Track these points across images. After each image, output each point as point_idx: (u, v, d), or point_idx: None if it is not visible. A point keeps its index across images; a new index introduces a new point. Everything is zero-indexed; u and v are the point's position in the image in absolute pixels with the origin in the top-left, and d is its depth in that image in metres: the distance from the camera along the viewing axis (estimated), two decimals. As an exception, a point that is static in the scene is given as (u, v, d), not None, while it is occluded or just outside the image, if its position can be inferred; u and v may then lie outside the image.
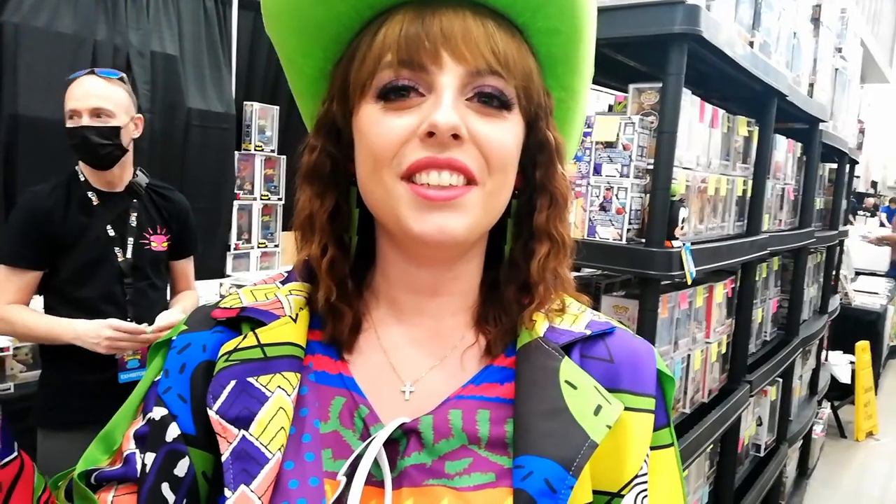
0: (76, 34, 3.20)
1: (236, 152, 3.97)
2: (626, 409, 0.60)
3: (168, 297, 2.22)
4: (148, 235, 2.07)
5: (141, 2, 3.46)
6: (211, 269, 3.82)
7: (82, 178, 1.98)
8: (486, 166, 0.56)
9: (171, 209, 2.14)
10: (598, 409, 0.57)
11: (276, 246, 4.27)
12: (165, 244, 2.11)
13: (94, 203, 1.97)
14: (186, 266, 2.27)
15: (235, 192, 3.98)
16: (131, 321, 1.93)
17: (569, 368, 0.59)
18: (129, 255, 2.01)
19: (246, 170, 4.04)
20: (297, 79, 0.66)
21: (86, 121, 1.90)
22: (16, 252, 1.90)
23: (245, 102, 4.03)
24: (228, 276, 3.91)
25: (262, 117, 4.09)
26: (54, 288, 1.96)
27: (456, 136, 0.54)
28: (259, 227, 4.14)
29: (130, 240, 2.02)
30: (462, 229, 0.56)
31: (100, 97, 1.93)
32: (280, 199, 4.24)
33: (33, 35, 3.05)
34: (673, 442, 0.65)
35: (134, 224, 2.03)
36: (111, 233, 1.98)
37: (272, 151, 4.17)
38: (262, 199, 4.14)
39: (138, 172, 2.09)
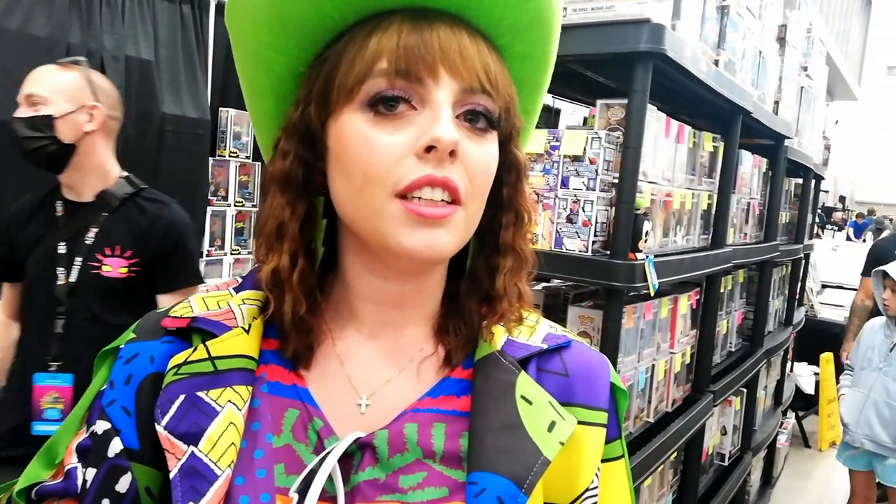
0: (50, 37, 3.16)
1: (210, 158, 3.95)
2: (580, 422, 0.60)
3: None
4: (101, 257, 1.68)
5: (116, 6, 3.43)
6: (183, 274, 3.79)
7: (57, 185, 1.73)
8: (471, 188, 0.56)
9: (146, 226, 1.72)
10: (552, 426, 0.58)
11: (250, 253, 4.25)
12: (125, 270, 1.69)
13: (58, 214, 1.69)
14: (169, 304, 1.93)
15: (209, 198, 3.96)
16: (52, 362, 1.62)
17: (525, 383, 0.60)
18: (72, 278, 1.66)
19: (220, 176, 4.02)
20: (263, 76, 0.62)
21: (20, 112, 1.63)
22: None
23: (221, 108, 4.01)
24: (201, 282, 3.89)
25: (238, 123, 4.08)
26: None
27: (452, 154, 0.54)
28: (232, 234, 4.11)
29: (78, 260, 1.66)
30: (449, 247, 0.56)
31: (34, 82, 1.64)
32: (254, 206, 4.22)
33: (5, 37, 3.01)
34: (623, 454, 0.67)
35: (89, 241, 1.68)
36: (61, 250, 1.67)
37: (247, 158, 4.16)
38: (235, 206, 4.12)
39: (121, 180, 1.76)
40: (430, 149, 0.53)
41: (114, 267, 1.68)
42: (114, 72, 3.40)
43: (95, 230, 1.69)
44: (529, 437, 0.57)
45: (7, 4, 3.04)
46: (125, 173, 1.79)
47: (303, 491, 0.54)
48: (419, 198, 0.54)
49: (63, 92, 1.65)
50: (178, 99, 3.71)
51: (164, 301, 1.74)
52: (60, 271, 1.66)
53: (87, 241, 1.68)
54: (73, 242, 1.68)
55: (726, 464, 2.87)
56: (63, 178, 1.71)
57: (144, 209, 1.74)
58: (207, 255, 3.99)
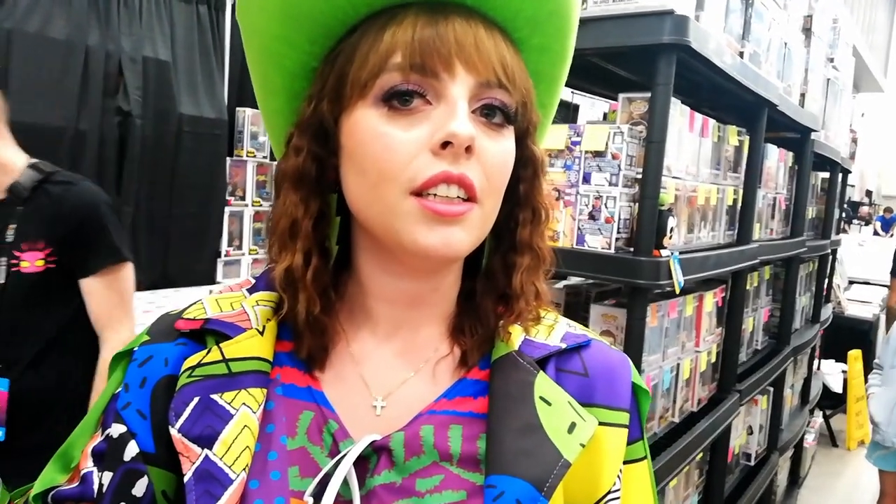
0: (68, 39, 3.20)
1: (228, 158, 3.97)
2: (601, 423, 0.59)
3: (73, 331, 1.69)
4: (18, 254, 1.57)
5: (134, 8, 3.46)
6: (201, 275, 3.82)
7: None
8: (487, 185, 0.55)
9: (53, 212, 1.60)
10: (572, 427, 0.57)
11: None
12: (42, 262, 1.58)
13: None
14: (93, 289, 1.65)
15: (227, 197, 3.98)
16: None
17: (543, 384, 0.59)
18: (1, 279, 1.57)
19: (238, 176, 4.04)
20: (273, 72, 0.61)
21: None
22: None
23: (238, 108, 4.03)
24: (219, 282, 3.91)
25: (255, 123, 4.09)
26: None
27: (468, 149, 0.53)
28: (250, 234, 4.13)
29: (3, 260, 1.56)
30: (466, 245, 0.55)
31: None
32: (272, 206, 4.24)
33: (25, 40, 3.05)
34: (646, 455, 0.65)
35: (11, 239, 1.57)
36: None
37: (264, 157, 4.17)
38: (253, 206, 4.14)
39: (28, 170, 1.63)
40: (445, 144, 0.52)
41: (31, 261, 1.59)
42: (132, 73, 3.43)
43: (14, 227, 1.58)
44: (549, 438, 0.56)
45: (26, 7, 3.08)
46: (33, 160, 1.67)
47: (318, 494, 0.54)
48: (435, 195, 0.53)
49: None
50: (195, 99, 3.74)
51: (87, 287, 1.64)
52: None
53: (7, 240, 1.58)
54: None
55: (753, 464, 2.83)
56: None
57: (51, 194, 1.61)
58: (225, 255, 4.02)
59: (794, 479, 3.98)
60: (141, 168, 3.50)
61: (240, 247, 4.09)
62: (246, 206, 4.10)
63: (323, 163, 0.59)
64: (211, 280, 3.87)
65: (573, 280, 2.00)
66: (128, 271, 1.73)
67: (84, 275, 1.65)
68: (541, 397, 0.57)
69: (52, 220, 1.60)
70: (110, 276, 1.68)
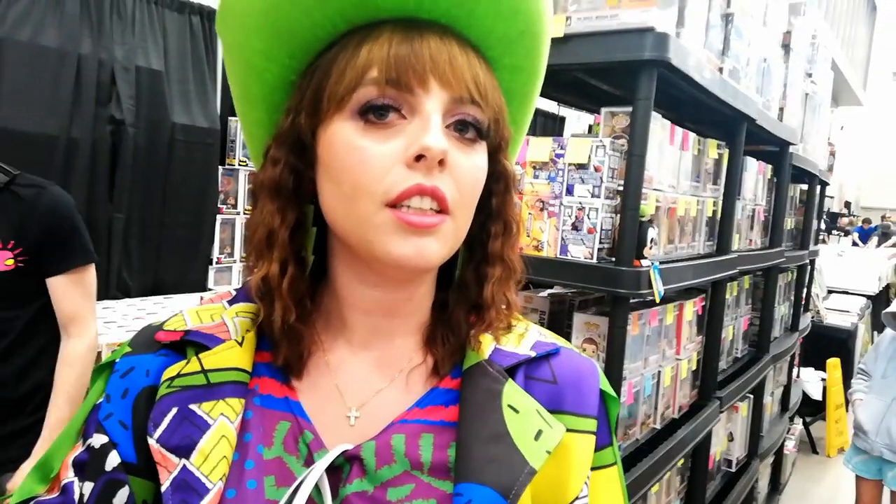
0: (60, 48, 3.21)
1: (220, 167, 3.99)
2: (569, 430, 0.60)
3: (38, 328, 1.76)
4: None
5: (126, 17, 3.47)
6: (193, 282, 3.83)
7: None
8: (459, 198, 0.56)
9: (25, 213, 1.66)
10: (538, 434, 0.57)
11: (258, 260, 4.28)
12: (11, 262, 1.65)
13: None
14: (62, 287, 1.73)
15: (219, 206, 4.00)
16: None
17: (512, 392, 0.60)
18: None
19: (230, 184, 4.06)
20: (253, 84, 0.62)
21: None
22: None
23: (230, 117, 4.05)
24: (210, 289, 3.91)
25: (246, 132, 4.11)
26: None
27: (441, 163, 0.54)
28: (242, 241, 4.15)
29: None
30: (438, 255, 0.56)
31: None
32: (249, 216, 4.26)
33: (17, 49, 3.06)
34: (616, 461, 0.66)
35: None
36: None
37: (255, 166, 4.19)
38: (245, 214, 4.16)
39: None
40: (419, 157, 0.53)
41: (0, 260, 1.65)
42: (124, 82, 3.45)
43: None
44: (516, 446, 0.56)
45: (18, 16, 3.08)
46: None
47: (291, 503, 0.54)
48: (408, 206, 0.54)
49: None
50: (187, 108, 3.76)
51: (55, 284, 1.72)
52: None
53: None
54: None
55: (734, 470, 2.87)
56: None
57: (21, 196, 1.67)
58: (217, 263, 4.03)
59: (775, 486, 4.03)
60: (133, 176, 3.51)
61: (231, 254, 4.11)
62: (238, 214, 4.12)
63: (300, 174, 0.60)
64: (203, 287, 3.88)
65: (557, 290, 2.05)
66: (93, 270, 1.82)
67: (55, 273, 1.72)
68: (509, 405, 0.58)
69: (24, 220, 1.65)
70: (78, 275, 1.76)
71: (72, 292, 1.74)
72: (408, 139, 0.54)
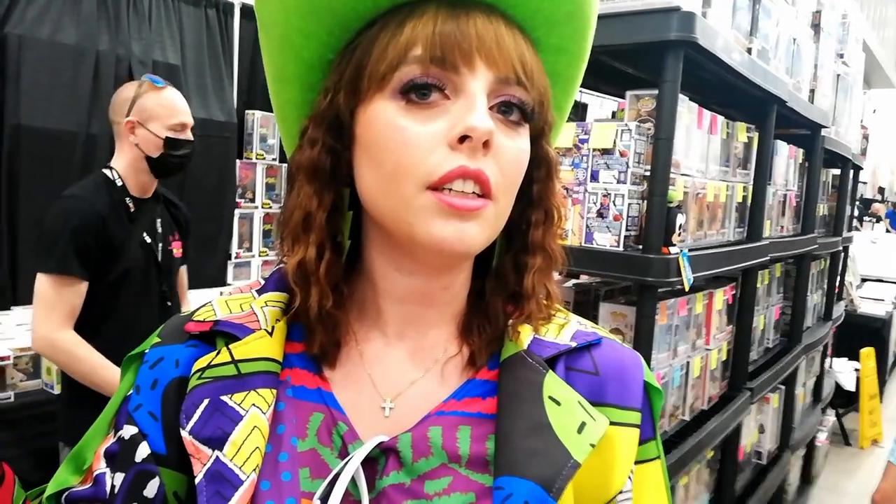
0: (78, 45, 3.23)
1: (238, 161, 3.99)
2: (612, 423, 0.58)
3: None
4: (171, 241, 2.07)
5: (143, 12, 3.49)
6: (212, 277, 3.84)
7: (119, 184, 1.92)
8: (502, 182, 0.55)
9: (181, 217, 2.16)
10: (581, 427, 0.56)
11: (279, 254, 4.28)
12: (181, 251, 2.11)
13: (132, 209, 1.94)
14: (184, 275, 2.24)
15: (237, 200, 4.00)
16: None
17: (553, 383, 0.58)
18: (160, 259, 2.00)
19: (247, 178, 4.06)
20: (290, 62, 0.61)
21: (188, 135, 1.99)
22: (69, 261, 1.77)
23: (247, 111, 4.06)
24: (229, 284, 3.93)
25: (264, 126, 4.11)
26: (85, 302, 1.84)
27: (485, 144, 0.52)
28: (260, 236, 4.15)
29: (160, 245, 2.01)
30: (480, 240, 0.54)
31: (187, 112, 2.02)
32: (282, 208, 4.26)
33: (36, 46, 3.08)
34: (659, 455, 0.64)
35: (160, 230, 2.02)
36: (147, 239, 1.97)
37: (274, 160, 4.19)
38: (263, 208, 4.16)
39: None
40: (463, 139, 0.52)
41: (177, 249, 2.09)
42: (142, 77, 3.45)
43: (159, 220, 2.04)
44: (558, 438, 0.55)
45: (37, 14, 3.11)
46: None
47: (327, 496, 0.53)
48: (451, 189, 0.52)
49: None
50: (204, 102, 3.77)
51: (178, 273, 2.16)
52: (154, 258, 1.98)
53: (159, 230, 2.02)
54: (150, 232, 1.99)
55: (764, 462, 2.81)
56: (152, 180, 2.00)
57: (174, 203, 2.16)
58: (236, 258, 4.04)
59: (807, 478, 3.96)
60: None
61: (250, 249, 4.11)
62: (256, 208, 4.12)
63: (338, 155, 0.58)
64: (222, 282, 3.90)
65: (583, 279, 2.00)
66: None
67: (181, 264, 2.21)
68: (550, 397, 0.57)
69: (182, 222, 2.18)
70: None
71: (186, 280, 2.25)
72: (452, 120, 0.52)
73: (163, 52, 3.56)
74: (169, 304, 2.03)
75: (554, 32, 0.60)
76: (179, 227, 2.13)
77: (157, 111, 1.92)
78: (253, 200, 4.10)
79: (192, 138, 2.00)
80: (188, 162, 2.03)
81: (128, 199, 1.94)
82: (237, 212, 4.01)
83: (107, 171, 1.93)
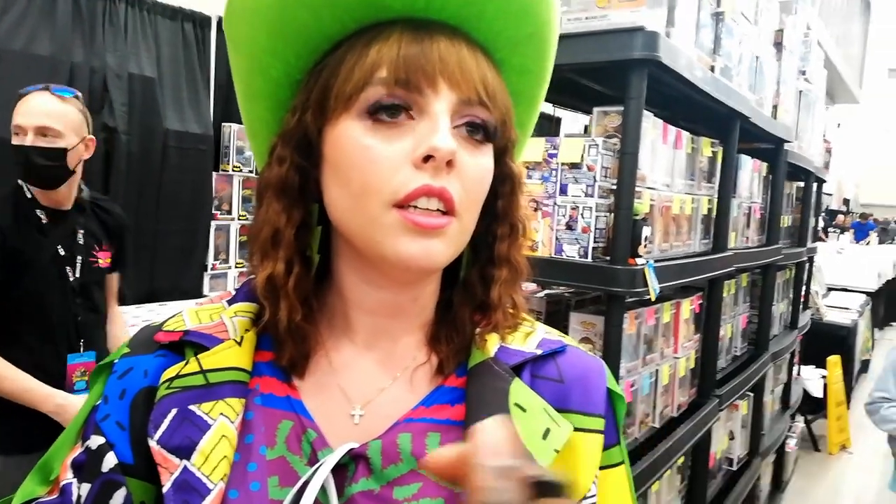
0: (53, 56, 3.21)
1: (214, 173, 3.99)
2: (576, 429, 0.60)
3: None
4: (95, 252, 2.02)
5: (118, 24, 3.47)
6: (188, 288, 3.82)
7: (29, 196, 1.89)
8: (466, 199, 0.56)
9: (113, 223, 2.11)
10: (546, 433, 0.57)
11: (254, 266, 4.27)
12: (109, 260, 2.07)
13: (44, 222, 1.89)
14: (115, 282, 2.19)
15: (213, 212, 3.99)
16: (83, 345, 1.93)
17: (519, 390, 0.59)
18: (78, 274, 1.96)
19: (224, 190, 4.05)
20: (259, 80, 0.62)
21: (30, 139, 1.81)
22: None
23: (223, 123, 4.05)
24: (205, 296, 3.91)
25: (241, 138, 4.10)
26: None
27: (449, 164, 0.54)
28: (237, 247, 4.14)
29: (80, 258, 1.96)
30: (445, 256, 0.56)
31: (49, 115, 1.83)
32: (251, 224, 4.25)
33: (10, 58, 3.06)
34: (623, 460, 0.66)
35: (82, 242, 1.98)
36: (62, 252, 1.92)
37: (250, 172, 4.19)
38: (239, 220, 4.15)
39: (82, 186, 2.03)
40: (427, 158, 0.53)
41: (103, 259, 2.06)
42: (117, 89, 3.45)
43: (82, 232, 1.99)
44: (523, 445, 0.57)
45: (11, 25, 3.09)
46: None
47: (296, 503, 0.54)
48: (415, 207, 0.54)
49: (71, 126, 1.88)
50: (181, 115, 3.76)
51: (107, 281, 2.14)
52: (69, 270, 1.94)
53: (79, 242, 1.98)
54: (66, 244, 1.94)
55: (735, 468, 2.86)
56: (55, 192, 1.92)
57: (106, 208, 2.11)
58: (212, 269, 4.03)
59: (777, 484, 4.02)
60: (127, 183, 3.51)
61: (226, 260, 4.10)
62: (232, 219, 4.11)
63: (306, 173, 0.59)
64: (198, 294, 3.87)
65: (554, 289, 2.04)
66: None
67: (112, 271, 2.17)
68: (516, 404, 0.57)
69: (113, 229, 2.13)
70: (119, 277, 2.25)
71: (116, 287, 2.24)
72: (416, 139, 0.54)
73: (139, 65, 3.55)
74: (79, 318, 1.97)
75: (516, 53, 0.61)
76: (109, 235, 2.08)
77: (14, 120, 1.85)
78: (229, 212, 4.09)
79: (33, 143, 1.80)
80: (43, 171, 1.83)
81: (38, 210, 1.90)
82: (213, 223, 3.99)
83: (22, 183, 1.90)
